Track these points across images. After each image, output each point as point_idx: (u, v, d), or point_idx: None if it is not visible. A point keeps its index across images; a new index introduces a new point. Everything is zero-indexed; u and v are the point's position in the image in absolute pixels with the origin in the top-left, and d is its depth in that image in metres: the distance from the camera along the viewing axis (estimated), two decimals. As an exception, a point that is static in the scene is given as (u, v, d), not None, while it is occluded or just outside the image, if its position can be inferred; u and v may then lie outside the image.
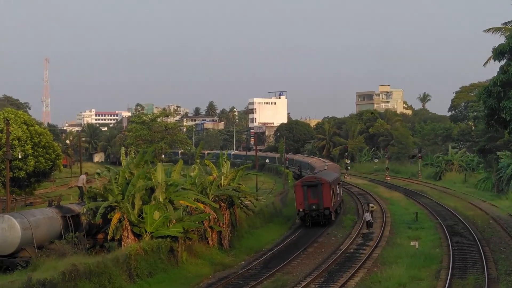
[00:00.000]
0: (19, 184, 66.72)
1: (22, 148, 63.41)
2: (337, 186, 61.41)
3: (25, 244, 33.63)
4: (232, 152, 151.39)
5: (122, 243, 35.33)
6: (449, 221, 54.65)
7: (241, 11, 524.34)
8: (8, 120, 55.86)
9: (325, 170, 69.48)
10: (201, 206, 39.63)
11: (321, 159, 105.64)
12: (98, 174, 41.74)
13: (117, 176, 37.79)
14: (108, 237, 36.52)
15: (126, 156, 44.86)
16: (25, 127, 66.44)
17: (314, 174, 66.37)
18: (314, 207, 54.51)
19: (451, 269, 34.98)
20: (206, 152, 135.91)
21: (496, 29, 46.98)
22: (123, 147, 41.67)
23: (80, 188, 42.98)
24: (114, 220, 35.58)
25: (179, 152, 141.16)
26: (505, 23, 47.07)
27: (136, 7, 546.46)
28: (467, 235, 47.21)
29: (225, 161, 47.61)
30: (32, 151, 65.37)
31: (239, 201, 45.99)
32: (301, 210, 54.92)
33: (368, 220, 52.24)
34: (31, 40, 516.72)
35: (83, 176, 44.11)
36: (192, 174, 45.09)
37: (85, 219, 37.59)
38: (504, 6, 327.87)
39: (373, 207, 57.94)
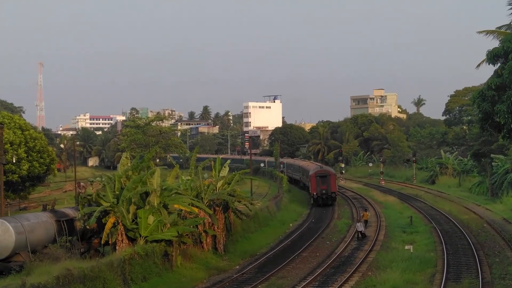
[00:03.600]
0: (13, 188, 66.67)
1: (15, 152, 63.39)
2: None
3: (19, 249, 33.50)
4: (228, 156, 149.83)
5: (117, 247, 35.26)
6: (444, 225, 54.72)
7: (236, 14, 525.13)
8: (2, 125, 55.75)
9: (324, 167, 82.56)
10: (196, 210, 39.57)
11: (314, 162, 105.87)
12: (91, 182, 41.78)
13: (111, 181, 37.72)
14: (102, 241, 36.46)
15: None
16: (20, 132, 66.44)
17: (322, 168, 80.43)
18: (324, 191, 73.42)
19: (446, 273, 35.01)
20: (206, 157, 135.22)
21: (490, 32, 47.06)
22: (123, 156, 41.47)
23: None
24: (109, 224, 35.53)
25: (168, 156, 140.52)
26: (499, 27, 47.17)
27: (131, 10, 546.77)
28: (461, 239, 47.27)
29: (225, 166, 47.64)
30: (26, 155, 65.35)
31: (234, 205, 45.99)
32: (314, 193, 74.37)
33: (360, 230, 49.93)
34: (25, 43, 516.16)
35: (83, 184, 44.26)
36: (187, 178, 45.07)
37: (80, 225, 37.50)
38: (498, 10, 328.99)
39: (367, 215, 57.24)
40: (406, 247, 43.50)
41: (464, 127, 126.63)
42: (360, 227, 50.03)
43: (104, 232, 35.70)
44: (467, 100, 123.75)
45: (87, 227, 37.56)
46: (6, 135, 61.15)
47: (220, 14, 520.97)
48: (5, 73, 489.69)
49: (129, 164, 40.29)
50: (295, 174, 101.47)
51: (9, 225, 33.30)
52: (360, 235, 49.42)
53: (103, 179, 38.52)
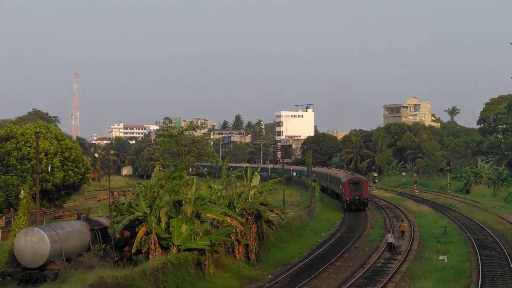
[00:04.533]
0: (48, 197, 67.61)
1: (50, 161, 64.37)
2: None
3: (54, 257, 33.95)
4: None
5: (150, 256, 35.47)
6: (478, 235, 54.06)
7: (270, 25, 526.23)
8: (38, 135, 56.63)
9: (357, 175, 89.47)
10: (228, 219, 39.66)
11: (345, 171, 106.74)
12: (124, 192, 42.13)
13: (144, 190, 38.01)
14: (133, 250, 36.72)
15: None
16: (56, 142, 67.49)
17: (354, 175, 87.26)
18: (357, 197, 78.16)
19: (481, 284, 34.61)
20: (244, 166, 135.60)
21: (525, 41, 46.58)
22: (156, 167, 41.80)
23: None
24: (141, 233, 35.78)
25: (196, 165, 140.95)
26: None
27: (165, 22, 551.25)
28: (496, 249, 46.67)
29: (255, 175, 47.65)
30: (61, 165, 66.27)
31: (265, 215, 45.99)
32: (348, 199, 78.52)
33: (390, 242, 48.74)
34: (61, 53, 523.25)
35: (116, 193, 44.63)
36: (219, 187, 45.21)
37: (112, 233, 37.84)
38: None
39: (404, 226, 56.48)
40: (440, 257, 43.07)
41: (499, 135, 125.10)
42: (390, 238, 48.96)
43: (136, 241, 35.94)
44: (502, 108, 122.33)
45: (116, 235, 37.89)
46: (42, 145, 62.11)
47: (257, 26, 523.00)
48: (41, 83, 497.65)
49: (161, 174, 40.56)
50: (327, 183, 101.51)
51: (44, 234, 33.77)
52: (391, 247, 48.33)
53: (137, 189, 38.85)
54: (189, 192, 37.65)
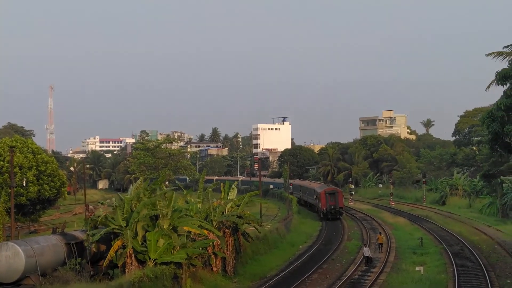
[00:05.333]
0: (23, 211, 66.92)
1: (24, 175, 63.79)
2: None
3: (29, 272, 33.57)
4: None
5: (126, 270, 35.19)
6: (454, 246, 54.46)
7: (243, 36, 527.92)
8: (13, 149, 56.10)
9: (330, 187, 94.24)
10: (205, 232, 39.53)
11: (320, 183, 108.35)
12: (101, 203, 41.78)
13: (122, 203, 37.76)
14: (104, 264, 36.44)
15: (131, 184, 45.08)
16: (32, 156, 66.91)
17: (330, 187, 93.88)
18: (332, 207, 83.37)
19: (457, 295, 34.79)
20: (214, 179, 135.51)
21: (498, 54, 47.11)
22: (139, 181, 41.44)
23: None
24: (115, 246, 35.50)
25: (173, 178, 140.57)
26: (506, 46, 47.23)
27: (138, 34, 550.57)
28: (472, 260, 47.03)
29: (233, 188, 47.59)
30: (36, 179, 65.67)
31: (242, 228, 45.91)
32: (324, 209, 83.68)
33: (367, 255, 47.62)
34: (35, 67, 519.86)
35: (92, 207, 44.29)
36: (196, 200, 45.07)
37: (88, 246, 37.54)
38: (507, 27, 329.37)
39: (382, 238, 56.05)
40: (417, 269, 43.33)
41: (474, 147, 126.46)
42: (367, 252, 47.93)
43: (109, 254, 35.64)
44: (476, 120, 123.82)
45: (93, 249, 37.60)
46: (16, 159, 61.48)
47: (230, 36, 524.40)
48: (16, 97, 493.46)
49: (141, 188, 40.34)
50: (304, 195, 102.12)
51: (19, 248, 33.40)
52: (367, 260, 47.35)
53: (115, 201, 38.61)
54: (166, 205, 37.50)
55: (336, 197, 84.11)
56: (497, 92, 44.53)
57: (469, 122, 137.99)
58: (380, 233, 60.39)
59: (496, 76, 40.61)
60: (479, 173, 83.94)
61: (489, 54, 48.14)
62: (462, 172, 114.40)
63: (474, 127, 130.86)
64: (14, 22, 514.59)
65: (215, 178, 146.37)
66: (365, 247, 49.63)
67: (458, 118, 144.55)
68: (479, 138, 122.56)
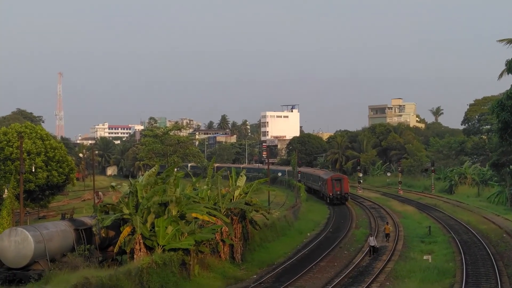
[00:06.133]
0: (32, 197, 67.17)
1: (33, 161, 63.96)
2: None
3: (38, 257, 33.75)
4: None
5: (134, 256, 35.35)
6: (463, 235, 54.36)
7: (255, 25, 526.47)
8: (22, 135, 56.22)
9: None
10: (213, 219, 39.60)
11: (321, 169, 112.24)
12: (113, 187, 41.74)
13: (133, 190, 37.80)
14: (115, 250, 36.59)
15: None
16: (40, 142, 67.06)
17: (336, 173, 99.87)
18: (338, 192, 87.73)
19: (465, 284, 34.82)
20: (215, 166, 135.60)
21: (509, 41, 46.60)
22: (153, 168, 41.42)
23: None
24: (125, 232, 35.67)
25: (189, 165, 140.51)
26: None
27: (152, 21, 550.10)
28: (480, 249, 46.95)
29: (241, 175, 47.61)
30: (44, 165, 65.87)
31: (250, 215, 46.00)
32: (330, 194, 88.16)
33: (372, 245, 47.13)
34: (45, 52, 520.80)
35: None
36: (204, 187, 45.15)
37: (96, 232, 37.68)
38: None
39: (389, 228, 55.36)
40: (425, 257, 43.32)
41: (483, 136, 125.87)
42: (372, 241, 47.45)
43: (119, 240, 35.80)
44: (486, 109, 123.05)
45: (102, 233, 37.76)
46: (24, 145, 61.65)
47: (242, 25, 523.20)
48: (25, 83, 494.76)
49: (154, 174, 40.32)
50: (312, 183, 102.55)
51: (28, 234, 33.56)
52: (373, 250, 46.82)
53: (127, 188, 38.72)
54: (175, 191, 37.59)
55: (342, 183, 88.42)
56: (509, 81, 44.33)
57: (478, 111, 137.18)
58: (387, 223, 59.96)
59: (506, 64, 40.25)
60: (488, 162, 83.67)
61: (500, 41, 47.60)
62: (472, 161, 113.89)
63: (484, 116, 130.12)
64: (24, 8, 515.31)
65: (215, 165, 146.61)
66: (371, 236, 49.18)
67: (468, 107, 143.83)
68: (488, 126, 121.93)
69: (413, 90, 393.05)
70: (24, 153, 61.19)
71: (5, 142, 65.18)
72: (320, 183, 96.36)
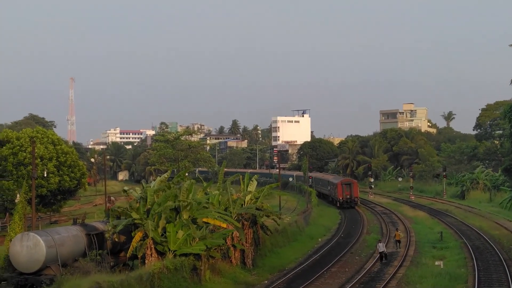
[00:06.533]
0: (44, 202, 67.44)
1: (45, 166, 64.24)
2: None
3: (49, 262, 33.82)
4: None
5: (146, 261, 35.38)
6: (474, 241, 54.08)
7: (267, 29, 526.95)
8: (34, 140, 56.46)
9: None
10: (224, 224, 39.59)
11: (331, 174, 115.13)
12: (125, 191, 41.79)
13: (145, 195, 37.88)
14: (128, 254, 36.64)
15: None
16: (52, 147, 67.36)
17: (346, 178, 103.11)
18: (348, 196, 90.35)
19: (477, 289, 34.57)
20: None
21: (521, 45, 46.50)
22: (166, 174, 41.56)
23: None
24: (137, 237, 35.70)
25: (197, 170, 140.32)
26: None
27: (165, 28, 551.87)
28: (492, 255, 46.68)
29: (252, 180, 47.59)
30: (56, 170, 66.15)
31: (261, 220, 45.95)
32: (340, 198, 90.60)
33: (381, 251, 46.16)
34: (57, 57, 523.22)
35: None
36: (215, 192, 45.16)
37: (109, 237, 37.72)
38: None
39: (399, 234, 54.63)
40: (436, 263, 43.11)
41: (496, 141, 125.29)
42: (382, 247, 46.51)
43: (131, 245, 35.85)
44: (498, 114, 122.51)
45: (115, 238, 37.79)
46: (37, 150, 61.96)
47: (252, 30, 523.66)
48: (37, 88, 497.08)
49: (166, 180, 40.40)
50: (322, 187, 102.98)
51: (40, 239, 33.64)
52: (383, 257, 46.01)
53: (140, 192, 38.80)
54: (186, 197, 37.61)
55: (351, 188, 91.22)
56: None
57: (490, 116, 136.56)
58: (397, 229, 58.82)
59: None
60: (501, 167, 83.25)
61: (512, 45, 47.50)
62: (485, 166, 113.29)
63: (496, 120, 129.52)
64: (37, 13, 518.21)
65: (226, 170, 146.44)
66: (380, 242, 48.25)
67: (480, 112, 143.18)
68: (500, 131, 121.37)
69: (424, 94, 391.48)
70: (37, 158, 61.50)
71: (18, 147, 65.53)
72: (329, 188, 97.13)
